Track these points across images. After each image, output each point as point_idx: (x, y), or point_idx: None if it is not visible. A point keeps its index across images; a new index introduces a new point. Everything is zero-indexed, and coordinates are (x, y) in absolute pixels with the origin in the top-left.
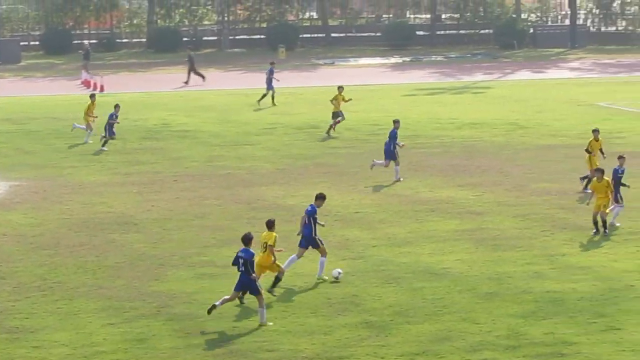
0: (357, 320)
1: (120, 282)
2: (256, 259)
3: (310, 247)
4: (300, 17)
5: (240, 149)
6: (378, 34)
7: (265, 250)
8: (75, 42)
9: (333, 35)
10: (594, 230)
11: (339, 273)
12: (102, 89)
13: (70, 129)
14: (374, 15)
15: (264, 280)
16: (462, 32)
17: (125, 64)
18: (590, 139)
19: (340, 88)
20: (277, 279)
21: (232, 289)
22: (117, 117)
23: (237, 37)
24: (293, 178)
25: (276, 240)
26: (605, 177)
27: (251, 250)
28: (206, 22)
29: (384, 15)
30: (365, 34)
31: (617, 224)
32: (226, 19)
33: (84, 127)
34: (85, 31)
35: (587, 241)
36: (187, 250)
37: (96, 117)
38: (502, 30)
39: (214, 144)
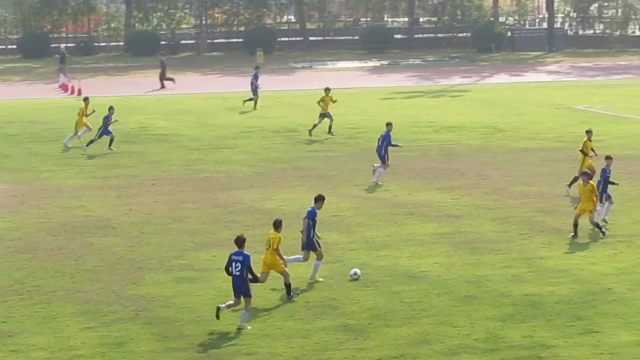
0: (335, 324)
1: (98, 286)
2: (262, 257)
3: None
4: (278, 20)
5: (218, 153)
6: (356, 38)
7: (269, 248)
8: (53, 45)
9: (311, 38)
10: (572, 234)
11: (356, 273)
12: (79, 93)
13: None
14: (351, 19)
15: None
16: (440, 35)
17: (103, 68)
18: (585, 140)
19: (327, 90)
20: (287, 286)
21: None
22: (111, 119)
23: (215, 41)
24: (271, 181)
25: (280, 242)
26: (591, 182)
27: (245, 252)
28: (184, 26)
29: (361, 19)
30: (343, 38)
31: (607, 221)
32: (204, 22)
33: (78, 132)
34: (63, 35)
35: (565, 244)
36: (165, 253)
37: (93, 111)
38: (480, 34)
39: (192, 147)
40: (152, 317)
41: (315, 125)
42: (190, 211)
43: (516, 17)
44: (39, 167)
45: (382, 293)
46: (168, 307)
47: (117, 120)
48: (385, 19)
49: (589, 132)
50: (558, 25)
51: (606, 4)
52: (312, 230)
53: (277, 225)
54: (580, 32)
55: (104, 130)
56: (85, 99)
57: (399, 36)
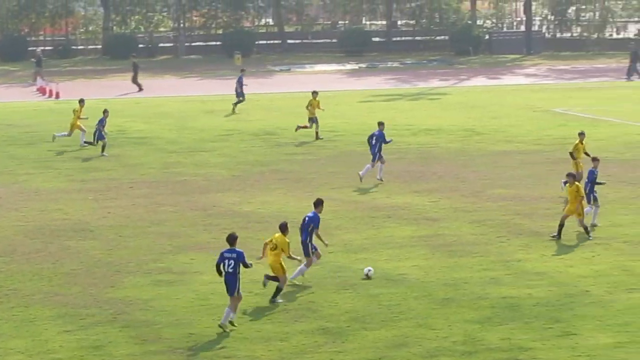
0: (313, 327)
1: (76, 289)
2: (268, 260)
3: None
4: (256, 23)
5: (197, 156)
6: (334, 41)
7: (275, 249)
8: (31, 48)
9: (289, 41)
10: (556, 235)
11: (370, 271)
12: (57, 96)
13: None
14: (329, 22)
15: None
16: (417, 38)
17: (81, 71)
18: (576, 142)
19: (314, 93)
20: (278, 290)
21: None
22: (105, 122)
23: (193, 44)
24: (249, 184)
25: (289, 246)
26: (577, 183)
27: (238, 249)
28: (162, 29)
29: (339, 22)
30: (321, 41)
31: (598, 224)
32: (182, 25)
33: (67, 134)
34: (41, 38)
35: (543, 247)
36: (143, 257)
37: (86, 118)
38: (458, 37)
39: (170, 150)
40: (130, 320)
41: (305, 127)
42: (168, 214)
43: (494, 20)
44: (16, 170)
45: (360, 296)
46: (146, 310)
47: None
48: (364, 22)
49: (581, 135)
50: (536, 28)
51: (584, 7)
52: (311, 236)
53: (284, 228)
54: (558, 35)
55: (99, 134)
56: (81, 101)
57: (377, 39)
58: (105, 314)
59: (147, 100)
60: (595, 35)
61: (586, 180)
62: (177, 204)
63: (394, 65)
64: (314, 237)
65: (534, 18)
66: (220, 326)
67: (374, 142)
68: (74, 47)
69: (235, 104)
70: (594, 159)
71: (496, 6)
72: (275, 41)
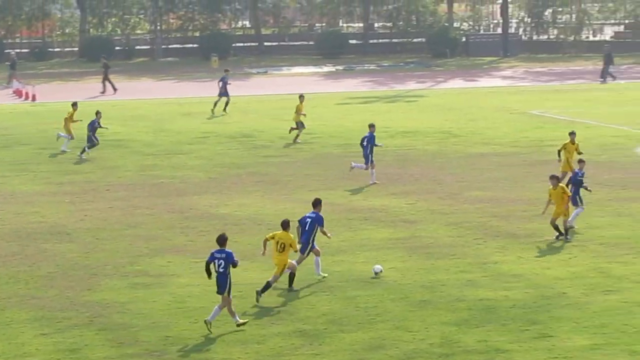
0: (290, 329)
1: (52, 292)
2: (273, 259)
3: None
4: (233, 26)
5: (174, 158)
6: (311, 43)
7: (284, 250)
8: (7, 51)
9: (266, 44)
10: (556, 234)
11: (380, 270)
12: (34, 99)
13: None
14: (306, 24)
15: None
16: (394, 40)
17: (58, 73)
18: (566, 142)
19: (301, 97)
20: (268, 285)
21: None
22: (98, 123)
23: (170, 46)
24: (226, 187)
25: (294, 243)
26: (560, 184)
27: (228, 249)
28: (139, 31)
29: (316, 24)
30: (298, 43)
31: (575, 226)
32: (159, 28)
33: (67, 135)
34: (17, 40)
35: (519, 249)
36: (120, 259)
37: (81, 120)
38: (435, 39)
39: (147, 153)
40: (107, 323)
41: (296, 128)
42: (145, 217)
43: (471, 23)
44: None
45: (337, 298)
46: (123, 313)
47: (106, 127)
48: (340, 24)
49: (572, 134)
50: (512, 30)
51: (560, 9)
52: (314, 236)
53: (286, 225)
54: (535, 37)
55: (91, 136)
56: (74, 104)
57: (354, 41)
58: (81, 317)
59: (123, 103)
60: (571, 38)
61: (571, 180)
62: (153, 207)
63: (371, 67)
64: (319, 233)
65: (510, 20)
66: (205, 322)
67: (365, 144)
68: (50, 49)
69: (224, 104)
70: (580, 161)
71: (473, 9)
72: (252, 43)
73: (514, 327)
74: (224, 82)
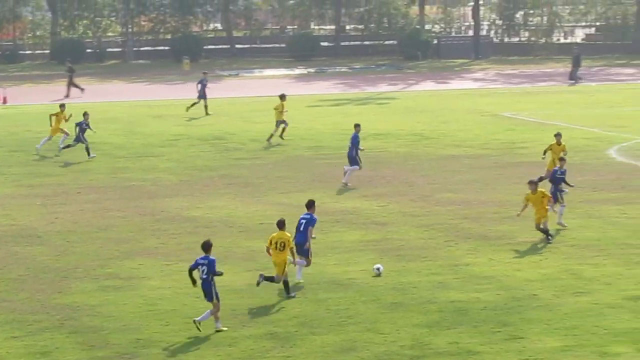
0: (261, 332)
1: (23, 295)
2: (272, 258)
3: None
4: (205, 28)
5: (145, 161)
6: (282, 45)
7: (284, 249)
8: None
9: (237, 46)
10: (547, 238)
11: (379, 270)
12: (4, 101)
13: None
14: (278, 27)
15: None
16: (366, 43)
17: (29, 76)
18: (552, 143)
19: (282, 96)
20: (271, 279)
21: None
22: (87, 124)
23: (141, 49)
24: (197, 189)
25: (292, 241)
26: (540, 189)
27: (211, 256)
28: (110, 34)
29: (288, 27)
30: (270, 45)
31: (565, 225)
32: (130, 30)
33: (64, 136)
34: None
35: (490, 251)
36: (90, 262)
37: (67, 119)
38: (407, 42)
39: (118, 155)
40: (78, 326)
41: (283, 130)
42: (116, 219)
43: (442, 25)
44: None
45: (308, 300)
46: (94, 316)
47: (94, 131)
48: (312, 26)
49: (557, 136)
50: (484, 32)
51: (531, 11)
52: (309, 237)
53: (282, 224)
54: (506, 39)
55: (81, 136)
56: (62, 106)
57: (325, 44)
58: (52, 319)
59: (95, 106)
60: (543, 40)
61: (547, 178)
62: (125, 210)
63: (342, 70)
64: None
65: (482, 23)
66: (194, 321)
67: (349, 145)
68: (21, 52)
69: (205, 107)
70: (561, 159)
71: (444, 11)
72: (224, 46)
73: (485, 329)
74: (203, 84)
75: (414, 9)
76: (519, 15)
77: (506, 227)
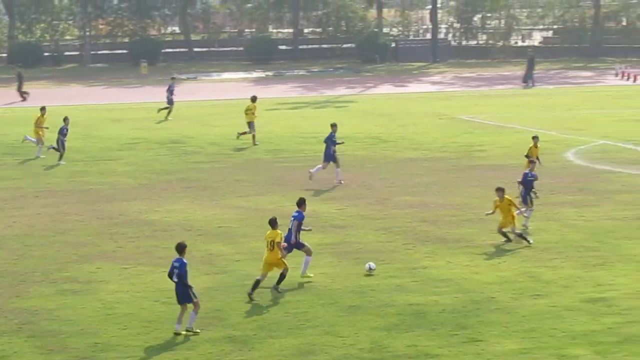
0: (220, 335)
1: None
2: (264, 257)
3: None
4: (163, 31)
5: (103, 165)
6: (240, 49)
7: (274, 249)
8: None
9: (195, 49)
10: (505, 240)
11: (371, 268)
12: None
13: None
14: (236, 30)
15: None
16: (324, 46)
17: None
18: (530, 146)
19: (253, 98)
20: (282, 276)
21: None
22: (67, 130)
23: (99, 52)
24: (155, 193)
25: (282, 238)
26: (507, 196)
27: (183, 259)
28: (68, 37)
29: (246, 30)
30: (228, 49)
31: (529, 228)
32: (88, 33)
33: (35, 140)
34: None
35: (449, 254)
36: (49, 266)
37: (47, 127)
38: (364, 45)
39: (76, 159)
40: (36, 330)
41: (244, 133)
42: (74, 223)
43: (400, 28)
44: None
45: (267, 304)
46: (52, 320)
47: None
48: (270, 30)
49: (535, 138)
50: (442, 36)
51: (489, 15)
52: (299, 233)
53: (274, 223)
54: (464, 42)
55: (62, 143)
56: (42, 108)
57: (283, 47)
58: (10, 324)
59: (52, 109)
60: (500, 43)
61: (520, 180)
62: (83, 213)
63: (300, 73)
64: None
65: (440, 26)
66: (187, 330)
67: (326, 144)
68: None
69: (167, 111)
70: (531, 162)
71: (402, 14)
72: (182, 49)
73: (444, 332)
74: (171, 89)
75: (372, 13)
76: (477, 18)
77: (464, 230)
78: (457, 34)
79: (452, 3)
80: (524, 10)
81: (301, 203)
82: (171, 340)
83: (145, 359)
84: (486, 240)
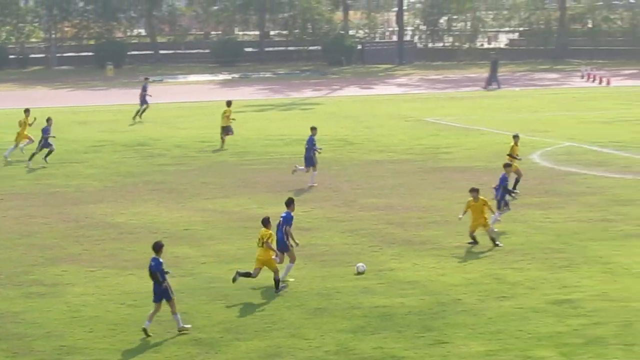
0: (186, 338)
1: None
2: (256, 254)
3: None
4: (129, 34)
5: (68, 167)
6: (207, 51)
7: (263, 245)
8: None
9: (161, 52)
10: (471, 242)
11: (362, 268)
12: None
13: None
14: (202, 32)
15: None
16: (290, 48)
17: None
18: (512, 144)
19: (228, 102)
20: (276, 281)
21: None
22: (50, 130)
23: (64, 55)
24: (121, 195)
25: (270, 237)
26: (481, 197)
27: (160, 259)
28: (33, 40)
29: (212, 32)
30: (194, 51)
31: (496, 229)
32: (53, 36)
33: (27, 141)
34: None
35: (415, 256)
36: (14, 269)
37: (30, 124)
38: (331, 47)
39: (41, 161)
40: (2, 333)
41: (222, 140)
42: (39, 226)
43: (366, 30)
44: None
45: (233, 306)
46: (17, 323)
47: (54, 137)
48: (236, 32)
49: (515, 137)
50: (408, 38)
51: (455, 17)
52: (291, 237)
53: (267, 222)
54: (430, 45)
55: (44, 142)
56: (26, 110)
57: (249, 49)
58: None
59: (17, 112)
60: (466, 45)
61: (497, 185)
62: (48, 216)
63: (266, 75)
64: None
65: (406, 28)
66: (179, 329)
67: (307, 147)
68: None
69: (141, 112)
70: (506, 165)
71: (368, 16)
72: (148, 52)
73: (410, 334)
74: (144, 90)
75: (338, 15)
76: (443, 20)
77: (430, 232)
78: (423, 36)
79: (418, 5)
80: (490, 12)
81: (290, 203)
82: (137, 343)
83: None
84: (452, 242)
